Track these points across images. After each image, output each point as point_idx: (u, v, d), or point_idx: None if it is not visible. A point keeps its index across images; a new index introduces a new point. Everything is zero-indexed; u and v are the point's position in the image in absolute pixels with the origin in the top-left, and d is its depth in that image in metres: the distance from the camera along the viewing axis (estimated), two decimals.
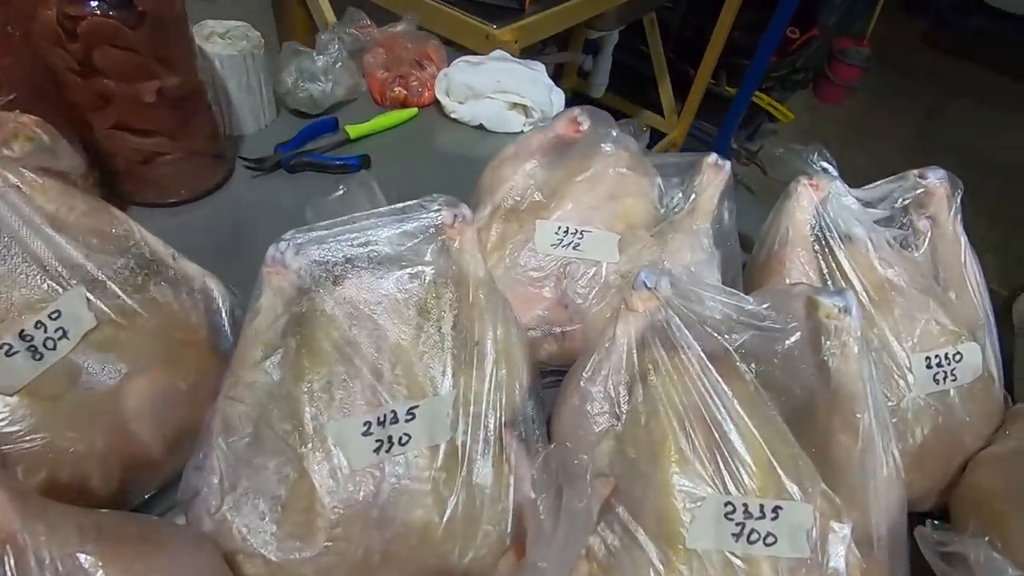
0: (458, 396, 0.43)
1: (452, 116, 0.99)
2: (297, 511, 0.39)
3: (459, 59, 1.01)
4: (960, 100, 3.12)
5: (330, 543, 0.39)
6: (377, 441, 0.41)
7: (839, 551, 0.41)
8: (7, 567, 0.29)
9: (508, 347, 0.47)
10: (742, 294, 0.46)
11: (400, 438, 0.41)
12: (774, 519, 0.41)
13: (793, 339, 0.45)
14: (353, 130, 0.92)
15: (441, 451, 0.42)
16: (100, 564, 0.31)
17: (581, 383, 0.48)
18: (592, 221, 0.61)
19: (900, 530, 0.44)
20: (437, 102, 1.00)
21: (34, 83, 0.65)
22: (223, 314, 0.56)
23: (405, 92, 0.99)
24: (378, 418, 0.41)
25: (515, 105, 0.98)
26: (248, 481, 0.41)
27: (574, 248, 0.59)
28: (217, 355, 0.54)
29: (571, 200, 0.62)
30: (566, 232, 0.60)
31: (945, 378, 0.54)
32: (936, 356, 0.54)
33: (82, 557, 0.30)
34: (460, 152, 0.98)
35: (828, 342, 0.43)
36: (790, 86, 2.93)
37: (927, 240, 0.62)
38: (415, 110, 0.99)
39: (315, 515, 0.39)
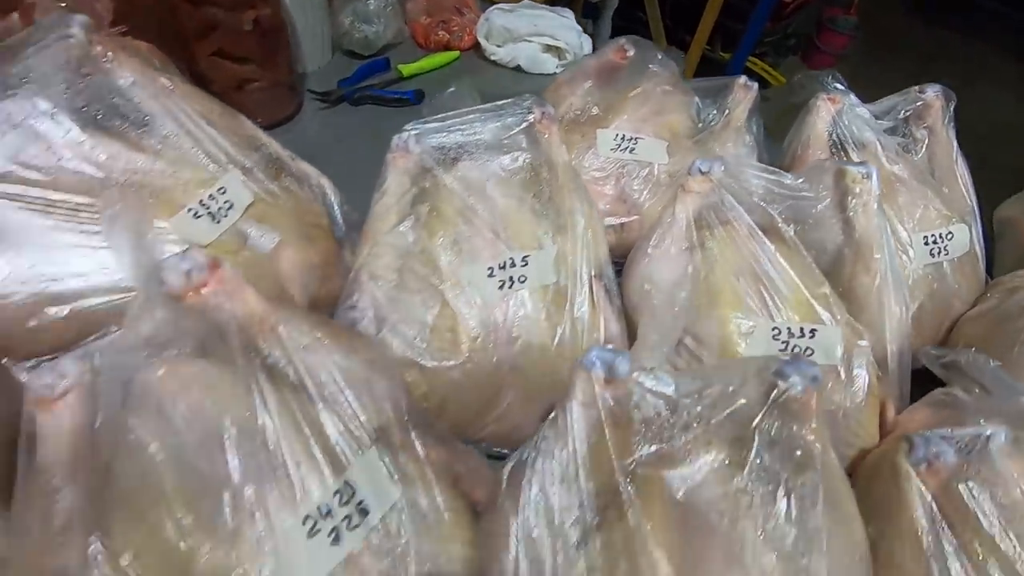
0: (558, 251, 0.54)
1: (492, 58, 1.07)
2: (442, 331, 0.50)
3: (494, 7, 1.09)
4: (939, 65, 3.26)
5: (470, 353, 0.49)
6: (500, 281, 0.51)
7: (862, 363, 0.52)
8: (262, 343, 0.39)
9: (592, 219, 0.57)
10: (782, 171, 0.57)
11: (519, 277, 0.51)
12: (811, 338, 0.52)
13: (824, 204, 0.56)
14: (405, 69, 1.00)
15: (550, 290, 0.52)
16: (327, 342, 0.40)
17: (649, 250, 0.59)
18: (643, 131, 0.71)
19: (906, 355, 0.56)
20: (477, 45, 1.08)
21: (146, 14, 0.72)
22: (335, 207, 0.65)
23: (448, 36, 1.07)
24: (499, 264, 0.52)
25: (549, 48, 1.07)
26: (397, 314, 0.51)
27: (630, 152, 0.70)
28: (335, 240, 0.64)
29: (625, 113, 0.72)
30: (623, 139, 0.70)
31: (939, 253, 0.66)
32: (932, 235, 0.66)
33: (318, 334, 0.40)
34: (500, 91, 1.07)
35: (853, 201, 0.54)
36: (783, 52, 3.02)
37: (924, 147, 0.73)
38: (457, 53, 1.07)
39: (458, 334, 0.49)
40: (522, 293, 0.51)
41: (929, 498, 0.43)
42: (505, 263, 0.52)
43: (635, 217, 0.69)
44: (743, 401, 0.37)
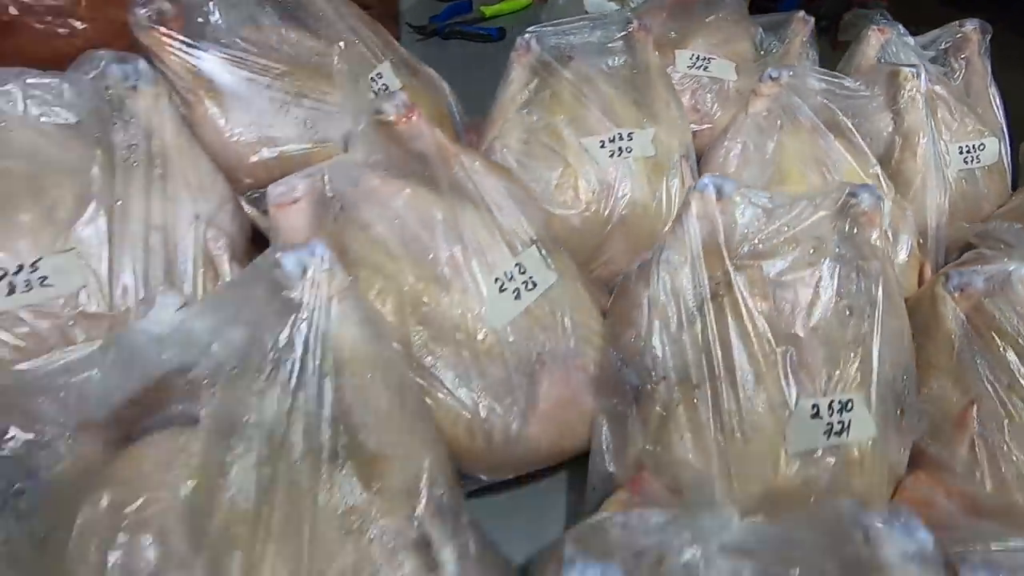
0: (655, 132, 0.65)
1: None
2: (565, 188, 0.61)
3: None
4: None
5: (587, 204, 0.61)
6: (610, 151, 0.62)
7: (906, 230, 0.63)
8: (452, 165, 0.50)
9: (680, 110, 0.69)
10: (841, 75, 0.68)
11: (625, 148, 0.62)
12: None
13: (878, 101, 0.67)
14: (487, 10, 1.11)
15: (649, 162, 0.63)
16: (493, 170, 0.52)
17: (725, 143, 0.70)
18: (714, 54, 0.82)
19: (943, 228, 0.67)
20: None
21: None
22: (452, 105, 0.77)
23: None
24: (609, 138, 0.63)
25: None
26: (527, 175, 0.62)
27: (704, 70, 0.80)
28: (456, 130, 0.75)
29: (700, 38, 0.83)
30: (697, 58, 0.81)
31: (972, 161, 0.76)
32: (966, 145, 0.76)
33: (487, 164, 0.52)
34: None
35: (903, 95, 0.65)
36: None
37: (961, 75, 0.83)
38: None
39: (578, 190, 0.61)
40: (628, 161, 0.62)
41: (961, 315, 0.54)
42: (614, 137, 0.63)
43: (707, 126, 0.80)
44: (823, 212, 0.48)
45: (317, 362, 0.32)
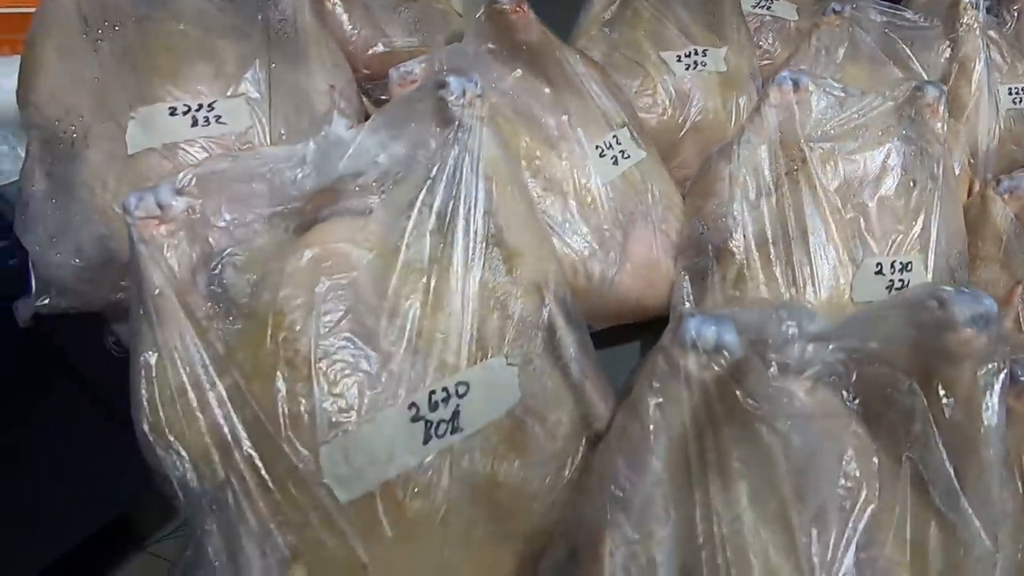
0: (726, 51, 0.70)
1: None
2: (643, 94, 0.67)
3: None
4: None
5: (663, 109, 0.66)
6: (686, 64, 0.68)
7: (959, 148, 0.68)
8: (556, 53, 0.56)
9: (749, 34, 0.74)
10: (902, 7, 0.73)
11: (700, 63, 0.68)
12: None
13: (936, 31, 0.71)
14: None
15: (721, 76, 0.69)
16: (585, 61, 0.58)
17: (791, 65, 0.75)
18: None
19: (992, 152, 0.72)
20: None
21: None
22: None
23: None
24: (685, 53, 0.69)
25: None
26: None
27: (767, 9, 0.86)
28: None
29: None
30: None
31: (1019, 102, 0.80)
32: (1016, 87, 0.80)
33: (581, 55, 0.58)
34: None
35: (960, 25, 0.69)
36: None
37: (1013, 25, 0.87)
38: None
39: (656, 95, 0.67)
40: (702, 74, 0.68)
41: (1011, 213, 0.58)
42: (690, 52, 0.69)
43: (767, 62, 0.85)
44: (891, 103, 0.53)
45: (473, 164, 0.39)
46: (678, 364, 0.33)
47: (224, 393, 0.33)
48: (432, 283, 0.36)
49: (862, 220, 0.50)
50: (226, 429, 0.33)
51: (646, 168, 0.55)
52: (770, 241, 0.51)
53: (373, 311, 0.35)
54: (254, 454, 0.32)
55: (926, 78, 0.70)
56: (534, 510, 0.36)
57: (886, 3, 0.73)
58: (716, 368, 0.33)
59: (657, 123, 0.66)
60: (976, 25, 0.69)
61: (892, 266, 0.49)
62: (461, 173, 0.39)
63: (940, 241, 0.51)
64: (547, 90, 0.53)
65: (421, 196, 0.38)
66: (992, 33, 0.82)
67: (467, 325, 0.36)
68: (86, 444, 1.02)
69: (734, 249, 0.51)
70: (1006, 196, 0.59)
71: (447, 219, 0.37)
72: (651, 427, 0.33)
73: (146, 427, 0.33)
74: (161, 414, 0.33)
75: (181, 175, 0.36)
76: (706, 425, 0.33)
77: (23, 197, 0.46)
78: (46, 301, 0.47)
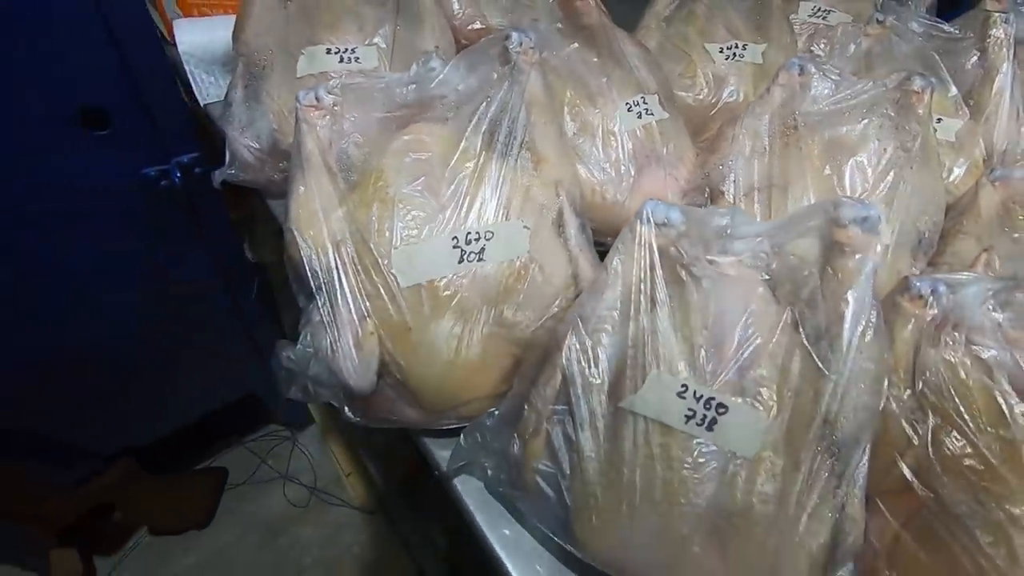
0: (766, 48, 0.82)
1: None
2: (686, 76, 0.81)
3: None
4: None
5: (700, 89, 0.80)
6: (726, 55, 0.81)
7: (973, 143, 0.75)
8: (610, 36, 0.72)
9: (790, 36, 0.85)
10: (940, 20, 0.81)
11: (739, 55, 0.81)
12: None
13: (968, 42, 0.79)
14: None
15: (760, 68, 0.81)
16: (628, 38, 0.73)
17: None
18: (834, 8, 0.97)
19: (1011, 153, 0.78)
20: None
21: None
22: None
23: None
24: (728, 45, 0.81)
25: None
26: None
27: (823, 19, 0.96)
28: None
29: None
30: (819, 9, 0.96)
31: None
32: None
33: (624, 34, 0.73)
34: None
35: (989, 36, 0.77)
36: None
37: None
38: None
39: (696, 78, 0.80)
40: (740, 64, 0.81)
41: (997, 198, 0.66)
42: (732, 45, 0.81)
43: None
44: (882, 88, 0.64)
45: (520, 94, 0.56)
46: (636, 231, 0.48)
47: (340, 214, 0.52)
48: (479, 165, 0.53)
49: (836, 178, 0.61)
50: (338, 234, 0.52)
51: (666, 127, 0.69)
52: (756, 189, 0.63)
53: (438, 178, 0.53)
54: (353, 251, 0.51)
55: (950, 81, 0.78)
56: (528, 327, 0.52)
57: (928, 17, 0.82)
58: (663, 237, 0.47)
59: (693, 101, 0.80)
60: (1004, 37, 0.76)
61: None
62: (510, 98, 0.56)
63: (909, 204, 0.61)
64: (595, 59, 0.69)
65: (479, 109, 0.55)
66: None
67: (499, 196, 0.53)
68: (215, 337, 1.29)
69: (726, 192, 0.64)
70: (996, 184, 0.67)
71: (495, 127, 0.54)
72: (612, 272, 0.48)
73: (293, 226, 0.52)
74: (305, 222, 0.52)
75: (332, 81, 0.56)
76: (650, 275, 0.47)
77: (227, 99, 0.69)
78: (232, 171, 0.69)
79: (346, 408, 0.54)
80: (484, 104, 0.55)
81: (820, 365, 0.44)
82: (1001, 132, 0.77)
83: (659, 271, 0.47)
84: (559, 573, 0.50)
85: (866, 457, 0.45)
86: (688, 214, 0.48)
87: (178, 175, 0.98)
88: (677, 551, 0.42)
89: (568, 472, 0.46)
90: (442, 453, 0.54)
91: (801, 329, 0.45)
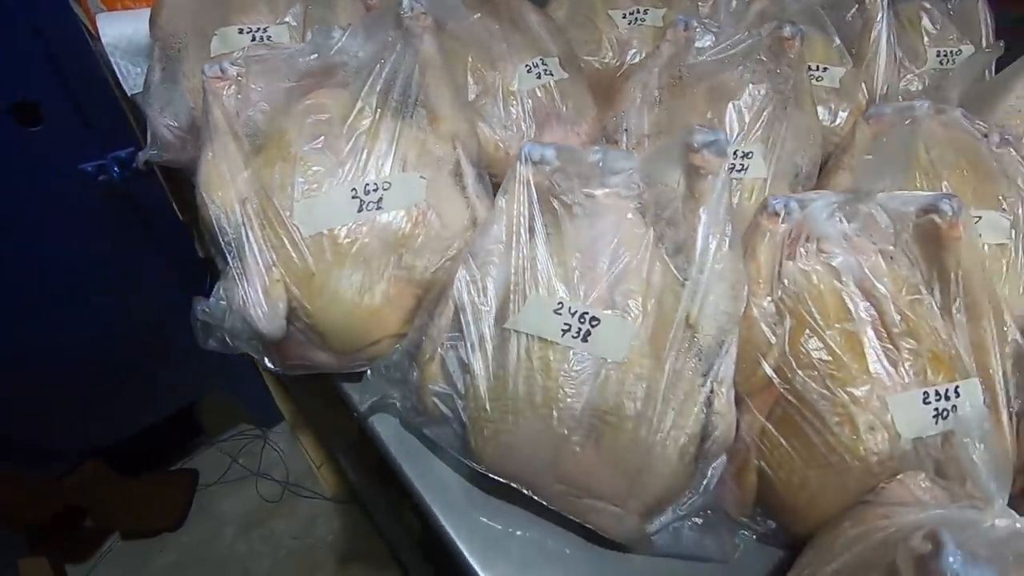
0: (665, 11, 0.87)
1: None
2: (591, 42, 0.85)
3: None
4: None
5: (605, 53, 0.84)
6: (628, 21, 0.86)
7: (857, 91, 0.81)
8: (513, 6, 0.77)
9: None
10: None
11: (641, 18, 0.86)
12: None
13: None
14: None
15: (661, 29, 0.86)
16: (530, 9, 0.78)
17: None
18: None
19: (893, 98, 0.84)
20: None
21: None
22: None
23: None
24: (631, 10, 0.86)
25: None
26: (567, 35, 0.87)
27: None
28: None
29: None
30: None
31: (947, 62, 0.91)
32: (943, 50, 0.91)
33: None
34: None
35: None
36: None
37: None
38: None
39: (601, 44, 0.85)
40: (642, 27, 0.85)
41: (868, 134, 0.71)
42: (635, 11, 0.86)
43: None
44: (757, 37, 0.69)
45: (413, 56, 0.60)
46: (516, 170, 0.52)
47: (246, 175, 0.56)
48: (375, 122, 0.57)
49: (717, 121, 0.66)
50: (245, 193, 0.55)
51: (566, 86, 0.73)
52: (646, 136, 0.68)
53: (337, 136, 0.57)
54: (258, 206, 0.54)
55: (833, 34, 0.83)
56: (428, 269, 0.56)
57: None
58: (539, 174, 0.52)
59: (600, 65, 0.84)
60: None
61: (735, 153, 0.65)
62: (403, 60, 0.59)
63: (784, 141, 0.66)
64: (497, 27, 0.73)
65: (374, 71, 0.59)
66: (926, 3, 0.94)
67: (395, 150, 0.57)
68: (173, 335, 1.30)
69: (619, 141, 0.69)
70: (870, 121, 0.72)
71: (390, 87, 0.58)
72: (498, 209, 0.53)
73: (203, 189, 0.56)
74: (213, 184, 0.56)
75: (236, 53, 0.60)
76: (528, 209, 0.51)
77: (146, 82, 0.72)
78: (155, 152, 0.72)
79: (265, 359, 0.57)
80: (378, 66, 0.59)
81: (677, 275, 0.49)
82: (880, 77, 0.82)
83: (535, 204, 0.51)
84: (470, 493, 0.54)
85: (730, 358, 0.50)
86: (562, 153, 0.52)
87: (116, 169, 1.01)
88: (558, 449, 0.47)
89: (463, 392, 0.50)
90: (361, 397, 0.58)
91: (662, 245, 0.50)
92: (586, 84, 0.78)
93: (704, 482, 0.49)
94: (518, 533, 0.52)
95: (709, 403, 0.49)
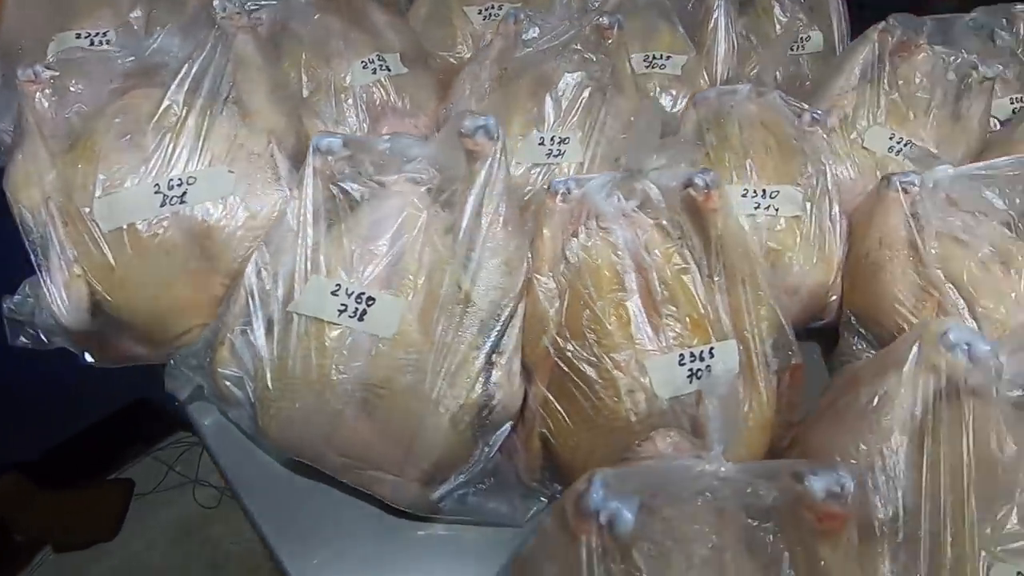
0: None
1: None
2: (447, 38, 0.88)
3: None
4: None
5: (461, 50, 0.87)
6: (484, 16, 0.89)
7: (698, 75, 0.84)
8: (359, 7, 0.79)
9: None
10: None
11: (496, 14, 0.88)
12: None
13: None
14: None
15: None
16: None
17: None
18: None
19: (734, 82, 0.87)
20: None
21: None
22: None
23: None
24: (486, 7, 0.89)
25: None
26: (426, 34, 0.89)
27: None
28: None
29: None
30: None
31: (798, 48, 0.95)
32: (795, 36, 0.95)
33: None
34: None
35: None
36: None
37: None
38: None
39: (455, 40, 0.87)
40: (495, 22, 0.88)
41: (697, 119, 0.75)
42: (489, 7, 0.89)
43: None
44: (578, 28, 0.72)
45: (225, 53, 0.61)
46: (307, 160, 0.54)
47: (53, 175, 0.57)
48: (180, 120, 0.59)
49: (536, 110, 0.69)
50: (49, 191, 0.57)
51: (404, 81, 0.76)
52: None
53: (143, 133, 0.59)
54: (61, 205, 0.56)
55: (678, 26, 0.87)
56: (235, 259, 0.58)
57: None
58: (327, 164, 0.54)
59: (455, 60, 0.87)
60: None
61: (552, 140, 0.68)
62: (214, 58, 0.61)
63: (604, 126, 0.69)
64: (338, 25, 0.76)
65: (183, 69, 0.61)
66: None
67: (201, 144, 0.58)
68: None
69: None
70: (696, 105, 0.75)
71: (198, 85, 0.60)
72: (293, 198, 0.55)
73: (9, 190, 0.57)
74: (18, 185, 0.57)
75: (51, 57, 0.61)
76: (313, 196, 0.54)
77: None
78: None
79: (85, 353, 0.59)
80: (187, 65, 0.61)
81: (448, 253, 0.51)
82: (720, 63, 0.86)
83: (320, 191, 0.54)
84: (268, 466, 0.56)
85: (513, 331, 0.53)
86: (353, 143, 0.55)
87: None
88: (334, 423, 0.49)
89: (252, 374, 0.52)
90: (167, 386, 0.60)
91: (439, 226, 0.52)
92: (433, 79, 0.80)
93: (485, 450, 0.52)
94: (319, 509, 0.54)
95: (488, 374, 0.51)
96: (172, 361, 0.56)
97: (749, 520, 0.39)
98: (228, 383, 0.52)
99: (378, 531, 0.54)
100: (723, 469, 0.40)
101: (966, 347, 0.44)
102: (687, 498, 0.37)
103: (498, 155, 0.52)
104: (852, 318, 0.65)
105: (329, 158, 0.54)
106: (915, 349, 0.46)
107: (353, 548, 0.53)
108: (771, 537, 0.38)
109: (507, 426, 0.53)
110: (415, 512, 0.52)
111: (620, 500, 0.33)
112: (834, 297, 0.67)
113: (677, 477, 0.39)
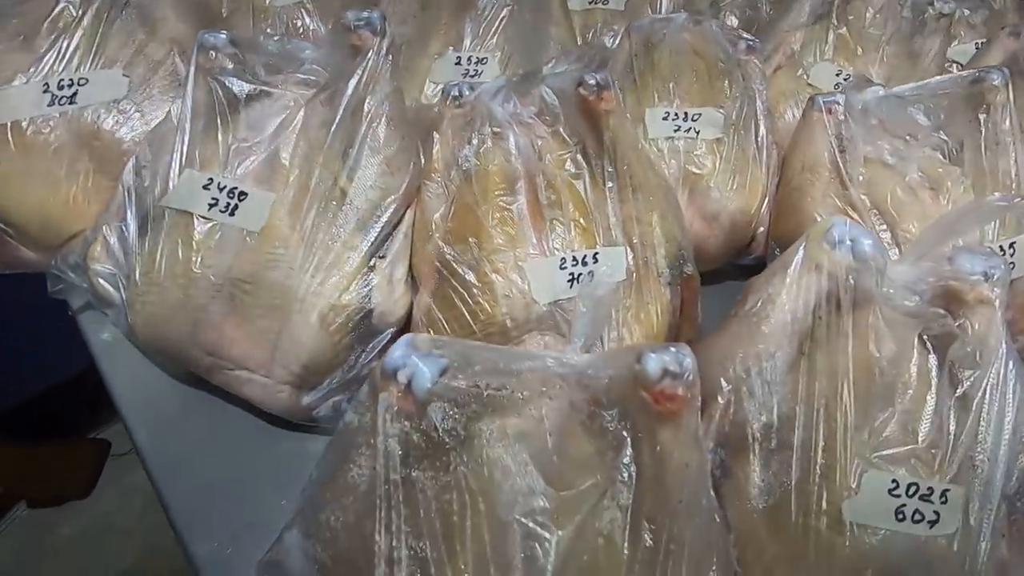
0: None
1: None
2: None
3: None
4: None
5: None
6: None
7: None
8: None
9: None
10: None
11: None
12: None
13: None
14: None
15: None
16: None
17: None
18: None
19: None
20: None
21: None
22: None
23: None
24: None
25: None
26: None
27: None
28: None
29: None
30: None
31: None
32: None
33: None
34: None
35: None
36: None
37: None
38: None
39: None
40: None
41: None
42: None
43: None
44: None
45: None
46: (194, 58, 0.53)
47: None
48: (78, 18, 0.57)
49: (456, 32, 0.67)
50: None
51: (327, 5, 0.74)
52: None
53: (35, 35, 0.57)
54: None
55: None
56: (124, 164, 0.57)
57: None
58: (210, 61, 0.52)
59: None
60: None
61: (469, 59, 0.66)
62: None
63: (526, 48, 0.67)
64: None
65: None
66: None
67: (95, 47, 0.57)
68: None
69: None
70: (631, 33, 0.72)
71: None
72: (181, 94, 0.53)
73: None
74: None
75: None
76: (192, 94, 0.52)
77: None
78: None
79: None
80: None
81: (319, 147, 0.49)
82: None
83: (201, 89, 0.52)
84: (149, 368, 0.55)
85: (400, 236, 0.51)
86: (238, 41, 0.53)
87: None
88: (197, 319, 0.47)
89: (127, 271, 0.50)
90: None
91: (313, 121, 0.51)
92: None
93: (361, 356, 0.50)
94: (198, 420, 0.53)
95: (368, 278, 0.49)
96: (53, 261, 0.55)
97: (592, 408, 0.36)
98: (101, 280, 0.51)
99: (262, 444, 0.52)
100: (575, 360, 0.38)
101: (850, 243, 0.41)
102: (515, 373, 0.34)
103: (382, 51, 0.50)
104: (776, 248, 0.62)
105: (212, 54, 0.52)
106: (801, 249, 0.43)
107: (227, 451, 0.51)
108: (614, 424, 0.36)
109: (388, 333, 0.51)
110: (291, 419, 0.51)
111: (422, 359, 0.31)
112: (761, 229, 0.64)
113: (514, 358, 0.37)
